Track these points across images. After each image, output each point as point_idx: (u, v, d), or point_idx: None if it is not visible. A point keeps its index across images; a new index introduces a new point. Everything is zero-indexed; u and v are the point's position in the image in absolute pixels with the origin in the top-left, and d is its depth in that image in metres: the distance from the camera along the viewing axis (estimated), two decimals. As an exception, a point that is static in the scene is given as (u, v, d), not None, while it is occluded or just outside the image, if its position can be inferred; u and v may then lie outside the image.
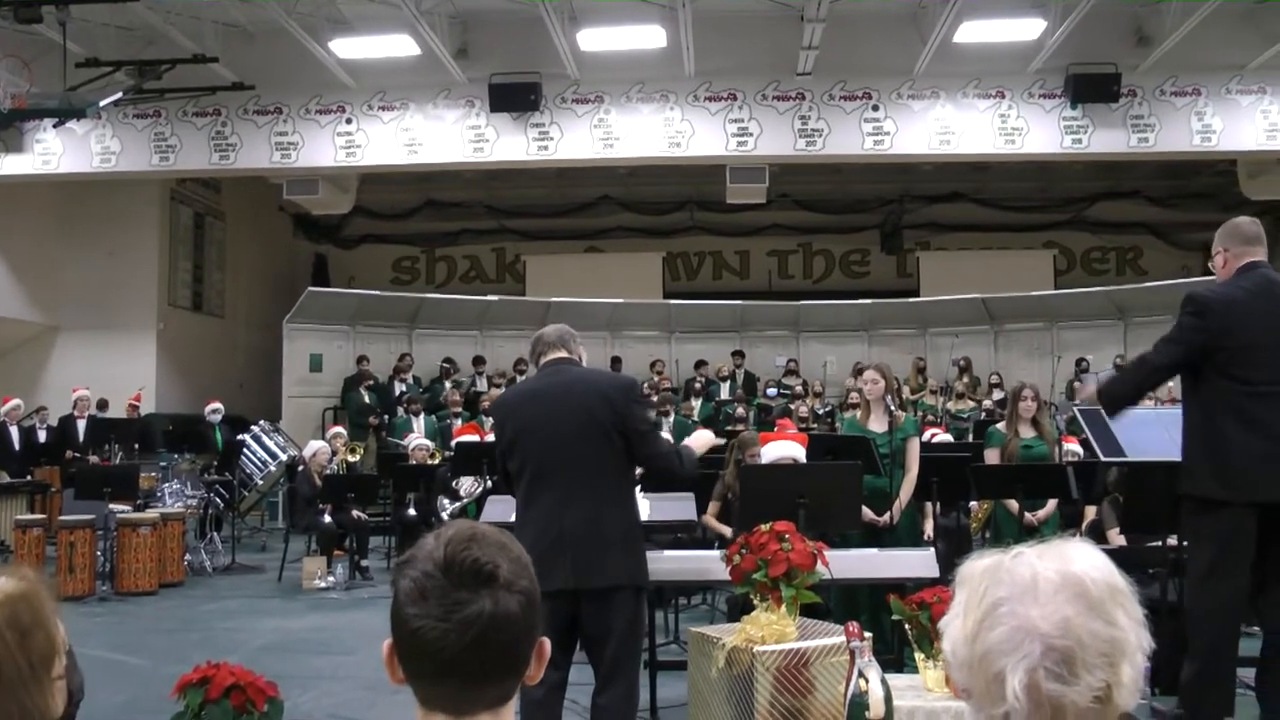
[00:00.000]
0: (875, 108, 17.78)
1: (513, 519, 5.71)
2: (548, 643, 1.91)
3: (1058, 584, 1.65)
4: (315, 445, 14.69)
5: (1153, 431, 7.12)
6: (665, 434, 11.76)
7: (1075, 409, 9.37)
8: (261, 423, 17.59)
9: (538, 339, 5.60)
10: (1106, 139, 17.84)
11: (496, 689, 1.84)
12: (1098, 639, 1.62)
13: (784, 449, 8.47)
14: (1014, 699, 1.61)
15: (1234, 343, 5.50)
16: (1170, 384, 11.46)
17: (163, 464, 15.02)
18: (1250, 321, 5.52)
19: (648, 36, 16.71)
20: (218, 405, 17.32)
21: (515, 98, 17.47)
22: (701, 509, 8.77)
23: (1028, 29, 16.53)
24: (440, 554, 1.81)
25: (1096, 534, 8.64)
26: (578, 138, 17.89)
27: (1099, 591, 1.65)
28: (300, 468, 14.62)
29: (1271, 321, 5.54)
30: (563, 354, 5.51)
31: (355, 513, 13.68)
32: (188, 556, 13.74)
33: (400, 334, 22.24)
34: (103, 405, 17.42)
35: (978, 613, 1.68)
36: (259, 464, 16.74)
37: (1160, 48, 16.67)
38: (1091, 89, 17.42)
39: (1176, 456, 5.81)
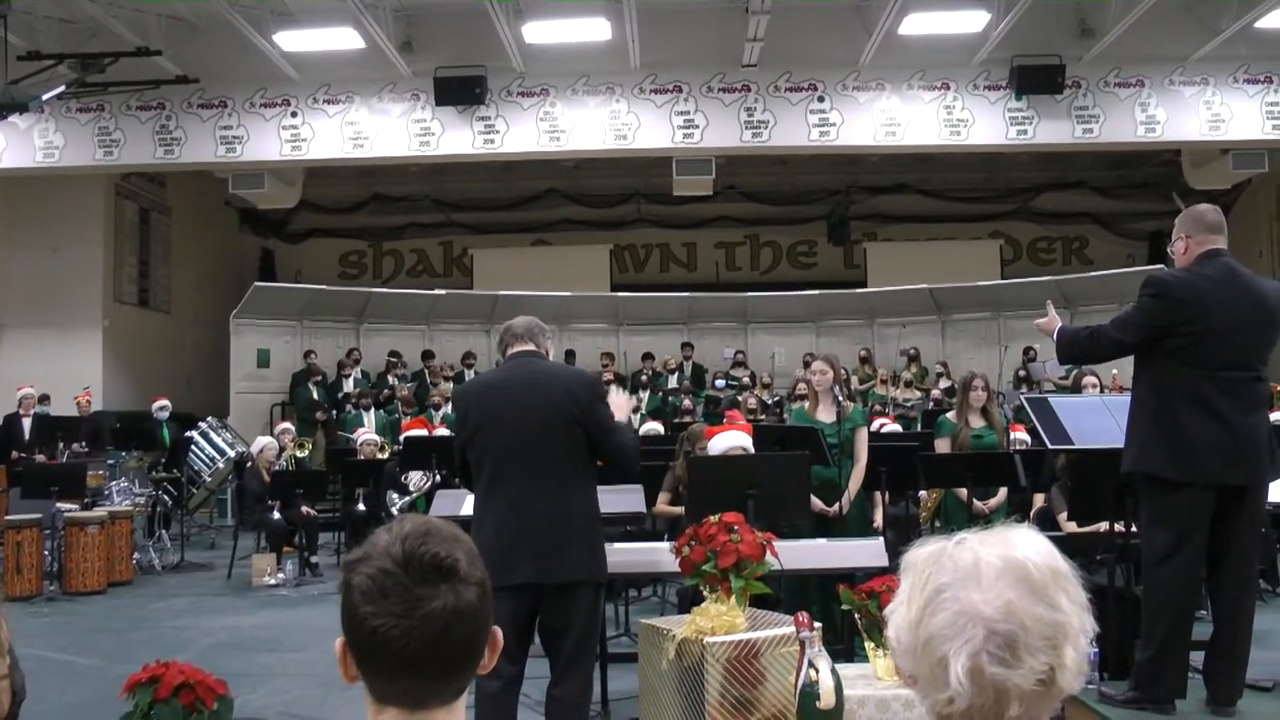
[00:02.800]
0: (821, 99, 17.82)
1: (463, 512, 5.73)
2: (499, 632, 1.91)
3: (1000, 569, 1.66)
4: (263, 441, 14.60)
5: (1100, 419, 7.18)
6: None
7: (1022, 398, 9.44)
8: (209, 419, 17.48)
9: (506, 329, 5.60)
10: (1051, 130, 17.96)
11: (456, 682, 1.84)
12: (1040, 623, 1.63)
13: (731, 439, 8.49)
14: (957, 684, 1.62)
15: (1192, 328, 5.55)
16: (1115, 371, 11.56)
17: (110, 462, 14.86)
18: (1209, 307, 5.57)
19: (593, 29, 16.69)
20: (165, 402, 17.20)
21: (461, 91, 17.40)
22: (650, 500, 8.78)
23: (972, 21, 16.62)
24: (398, 550, 1.79)
25: (1045, 521, 8.70)
26: (524, 131, 17.84)
27: (1041, 576, 1.66)
28: (248, 464, 14.53)
29: (1230, 308, 5.58)
30: (529, 347, 5.51)
31: (304, 509, 13.62)
32: (136, 555, 13.62)
33: (348, 329, 22.14)
34: (44, 399, 17.19)
35: (921, 599, 1.69)
36: (207, 461, 16.64)
37: (1104, 40, 16.81)
38: (1036, 80, 17.53)
39: (1123, 443, 5.88)
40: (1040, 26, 16.76)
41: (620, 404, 5.83)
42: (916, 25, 16.50)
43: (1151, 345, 5.69)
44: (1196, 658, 5.78)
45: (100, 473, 14.41)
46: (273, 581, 12.83)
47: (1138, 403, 5.80)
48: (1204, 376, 5.54)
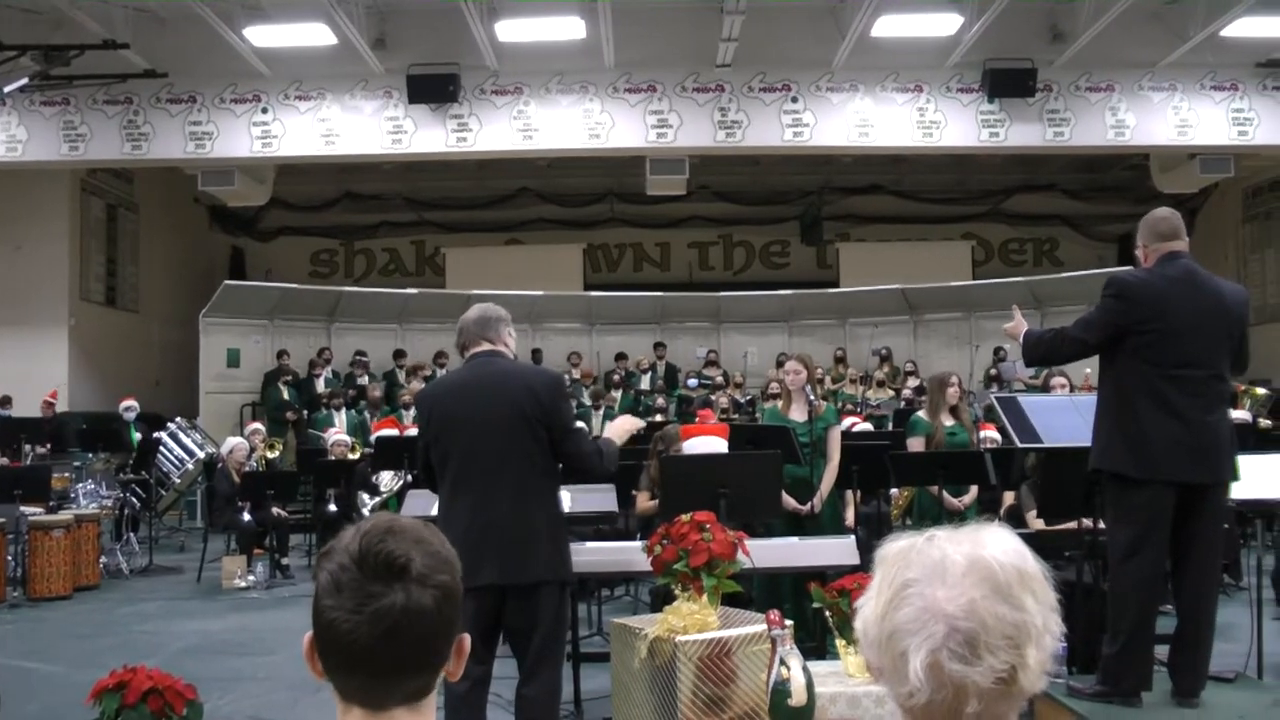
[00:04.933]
0: (794, 100, 17.86)
1: (434, 512, 5.68)
2: (468, 639, 1.91)
3: (965, 567, 1.66)
4: (233, 442, 14.52)
5: (1068, 418, 7.22)
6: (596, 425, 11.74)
7: (993, 397, 9.48)
8: (178, 420, 17.35)
9: (461, 329, 5.56)
10: (1023, 133, 18.07)
11: (411, 683, 1.83)
12: (1002, 622, 1.63)
13: (706, 444, 8.50)
14: (916, 678, 1.63)
15: (1151, 327, 5.63)
16: (1088, 370, 11.63)
17: (76, 464, 14.76)
18: (1168, 307, 5.65)
19: (567, 28, 16.68)
20: (132, 403, 17.05)
21: (433, 89, 17.36)
22: (622, 501, 8.77)
23: (945, 24, 16.69)
24: (355, 546, 1.81)
25: (1015, 519, 8.74)
26: (497, 129, 17.81)
27: (1006, 576, 1.66)
28: (218, 465, 14.45)
29: (1189, 307, 5.67)
30: (489, 346, 5.46)
31: (275, 510, 13.54)
32: (103, 559, 13.49)
33: (319, 328, 22.07)
34: (5, 402, 17.03)
35: (888, 593, 1.70)
36: (176, 462, 16.52)
37: (1075, 44, 16.95)
38: (1008, 84, 17.64)
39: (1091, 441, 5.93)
40: (1012, 30, 16.86)
41: (624, 428, 5.86)
42: (890, 27, 16.56)
43: (1114, 345, 5.77)
44: (1161, 651, 5.89)
45: (66, 475, 14.30)
46: (243, 584, 12.76)
47: (1102, 401, 5.90)
48: (1164, 375, 5.63)
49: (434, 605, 1.79)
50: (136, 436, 16.58)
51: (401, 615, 1.76)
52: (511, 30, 16.60)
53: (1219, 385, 5.78)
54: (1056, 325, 6.52)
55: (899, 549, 1.74)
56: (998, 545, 1.70)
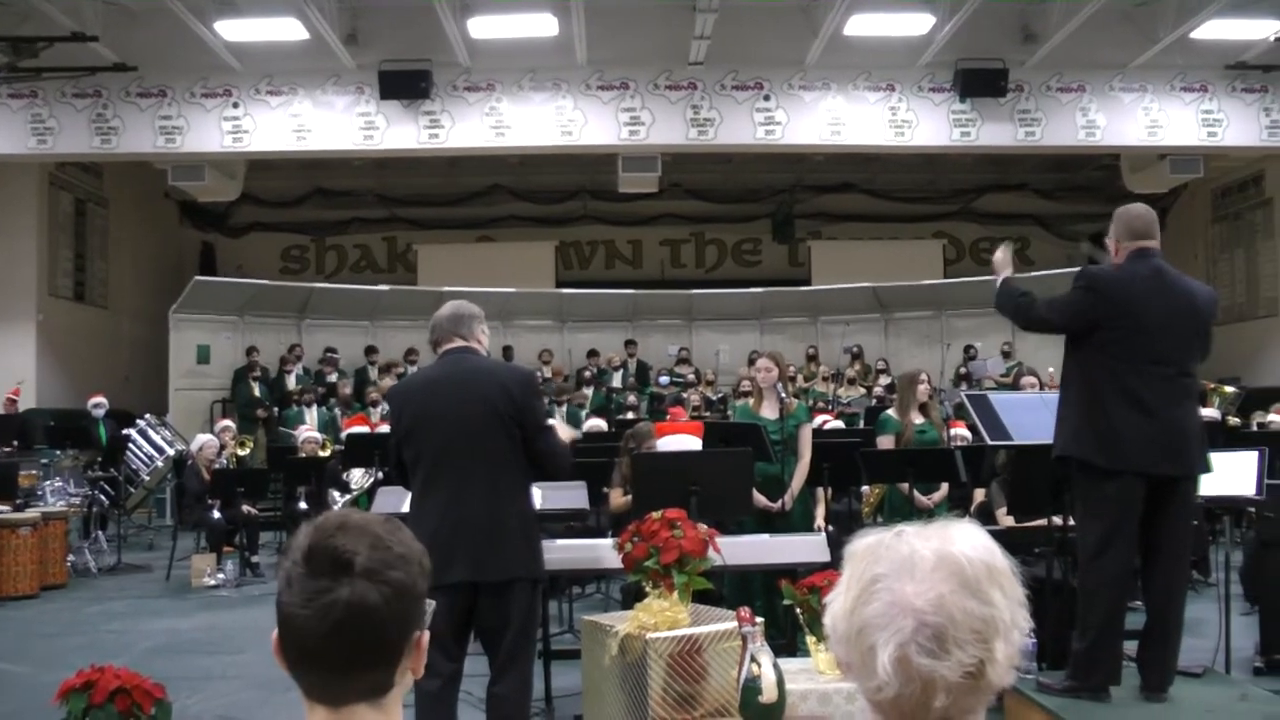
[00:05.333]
0: (767, 98, 17.89)
1: (404, 509, 5.67)
2: (426, 636, 1.89)
3: (934, 562, 1.67)
4: (203, 439, 14.46)
5: (1038, 416, 7.22)
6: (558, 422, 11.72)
7: (963, 395, 9.52)
8: (148, 417, 17.27)
9: (434, 324, 5.54)
10: (994, 132, 18.17)
11: (365, 680, 1.82)
12: (971, 617, 1.63)
13: (680, 442, 8.51)
14: (884, 673, 1.63)
15: (1121, 323, 5.68)
16: (1051, 370, 11.69)
17: (44, 461, 14.62)
18: (1137, 303, 5.71)
19: (539, 25, 16.67)
20: (101, 399, 16.92)
21: (406, 85, 17.32)
22: (593, 498, 8.78)
23: (917, 24, 16.76)
24: (305, 542, 1.82)
25: (985, 516, 8.77)
26: (469, 126, 17.78)
27: (975, 571, 1.67)
28: (188, 462, 14.39)
29: (1158, 304, 5.72)
30: (461, 343, 5.45)
31: (245, 508, 13.49)
32: (71, 557, 13.40)
33: (290, 325, 21.99)
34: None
35: (857, 588, 1.70)
36: (145, 459, 16.44)
37: (1046, 45, 17.08)
38: (979, 84, 17.73)
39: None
40: (984, 31, 16.95)
41: (565, 435, 5.89)
42: (862, 26, 16.60)
43: (1081, 339, 5.83)
44: (1130, 646, 5.93)
45: (33, 472, 14.17)
46: (213, 582, 12.69)
47: (1068, 396, 5.94)
48: (1131, 371, 5.68)
49: (381, 601, 1.78)
50: (105, 433, 16.48)
51: (346, 610, 1.76)
52: (484, 27, 16.59)
53: (1187, 382, 5.84)
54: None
55: (868, 545, 1.74)
56: (966, 541, 1.70)
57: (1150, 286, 5.75)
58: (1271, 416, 13.23)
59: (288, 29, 16.40)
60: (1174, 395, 5.71)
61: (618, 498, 9.08)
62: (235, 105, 17.70)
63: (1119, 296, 5.72)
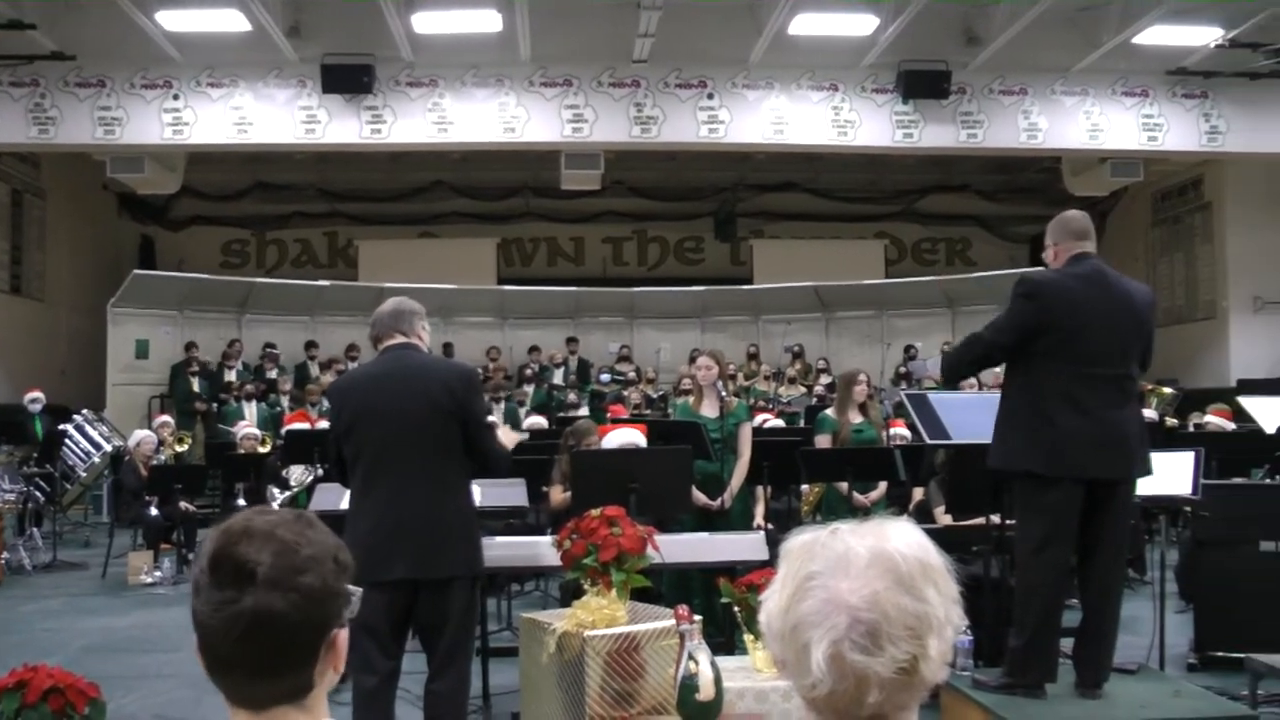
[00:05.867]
0: (710, 96, 17.93)
1: (343, 507, 5.66)
2: (344, 635, 1.87)
3: (868, 560, 1.68)
4: (141, 435, 14.34)
5: (977, 415, 7.28)
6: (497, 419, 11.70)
7: (902, 394, 9.58)
8: (85, 412, 17.04)
9: (375, 320, 5.54)
10: (937, 134, 18.29)
11: (281, 684, 1.81)
12: (905, 613, 1.65)
13: (625, 436, 8.52)
14: (818, 670, 1.64)
15: (1063, 326, 5.71)
16: (996, 370, 11.78)
17: (-22, 456, 14.50)
18: (1079, 306, 5.74)
19: (483, 20, 16.62)
20: (38, 394, 16.74)
21: (348, 79, 17.22)
22: (532, 495, 8.78)
23: (861, 24, 16.82)
24: (210, 549, 1.80)
25: (924, 514, 8.83)
26: (412, 121, 17.71)
27: (909, 568, 1.68)
28: (126, 458, 14.26)
29: (1099, 307, 5.76)
30: (401, 339, 5.43)
31: (183, 504, 13.38)
32: (5, 554, 13.17)
33: (230, 319, 21.83)
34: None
35: (792, 585, 1.71)
36: (82, 455, 16.22)
37: (989, 48, 17.19)
38: (922, 85, 17.83)
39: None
40: (927, 33, 17.04)
41: (510, 438, 5.88)
42: (806, 26, 16.65)
43: (1027, 344, 5.83)
44: (1066, 643, 6.00)
45: (-34, 468, 14.02)
46: (149, 580, 12.55)
47: (1009, 403, 5.96)
48: (1074, 373, 5.71)
49: (288, 609, 1.76)
50: (41, 429, 16.30)
51: (252, 620, 1.75)
52: (427, 22, 16.52)
53: (1129, 384, 5.90)
54: (968, 325, 6.59)
55: (803, 542, 1.75)
56: (901, 538, 1.72)
57: (1091, 288, 5.78)
58: (1208, 418, 13.38)
59: (229, 20, 16.23)
60: (1116, 397, 5.77)
61: (557, 495, 9.08)
62: (176, 97, 17.52)
63: (1060, 299, 5.75)
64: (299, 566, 1.78)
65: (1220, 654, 7.71)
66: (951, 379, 6.31)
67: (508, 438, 5.96)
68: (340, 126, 17.67)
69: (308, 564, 1.79)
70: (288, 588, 1.76)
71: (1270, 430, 9.09)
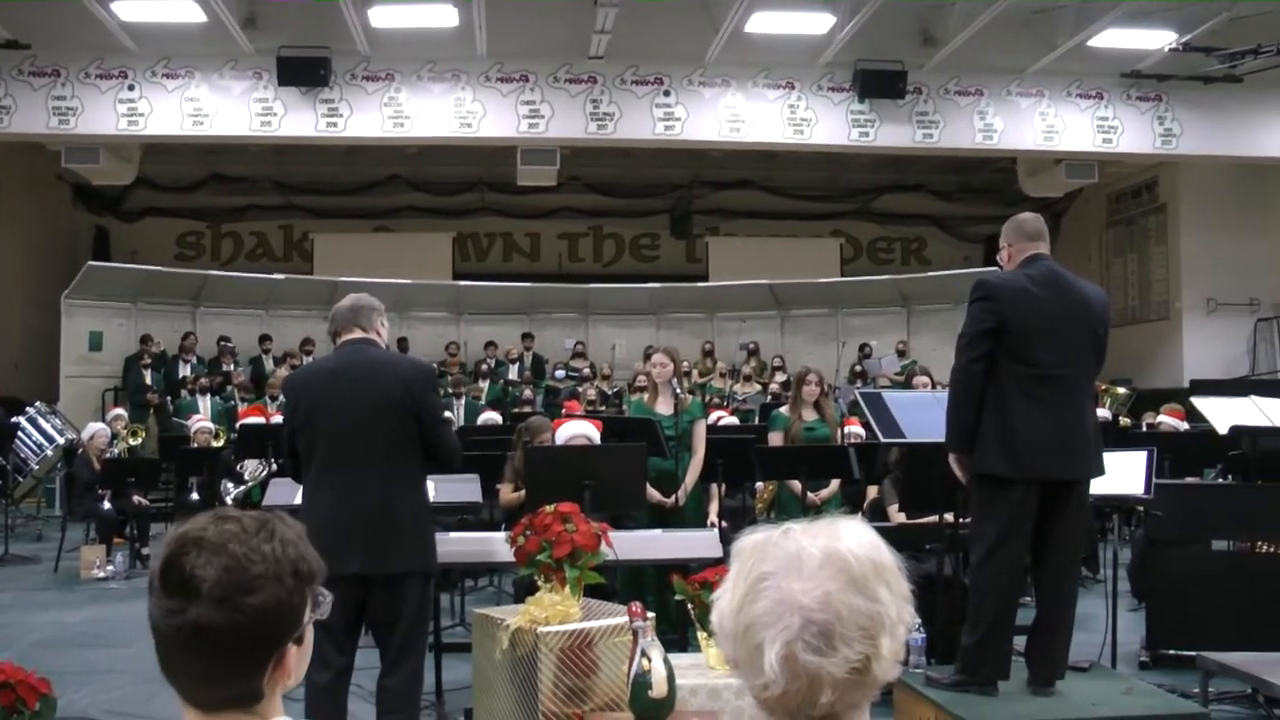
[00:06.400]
0: (667, 93, 17.95)
1: (297, 502, 5.64)
2: (293, 651, 1.84)
3: (821, 560, 1.69)
4: (94, 428, 14.23)
5: (931, 414, 7.32)
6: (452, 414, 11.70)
7: (856, 392, 9.64)
8: (37, 404, 16.93)
9: (333, 315, 5.53)
10: (893, 133, 18.38)
11: (225, 691, 1.80)
12: (857, 613, 1.66)
13: (578, 428, 8.52)
14: (771, 670, 1.66)
15: (1019, 327, 5.73)
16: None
17: (-73, 449, 14.34)
18: (1035, 307, 5.77)
19: (440, 15, 16.58)
20: (-11, 386, 16.64)
21: (304, 72, 17.15)
22: (486, 491, 8.76)
23: (817, 23, 16.86)
24: (163, 553, 1.79)
25: (878, 512, 8.88)
26: (367, 115, 17.66)
27: (861, 568, 1.69)
28: (79, 451, 14.16)
29: (1055, 308, 5.79)
30: (359, 334, 5.43)
31: (136, 498, 13.31)
32: (-43, 547, 13.16)
33: (184, 312, 21.67)
34: None
35: (744, 585, 1.72)
36: (34, 448, 16.11)
37: (945, 49, 17.30)
38: (879, 85, 17.90)
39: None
40: (884, 33, 17.10)
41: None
42: (763, 24, 16.68)
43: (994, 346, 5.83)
44: (1020, 641, 6.03)
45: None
46: (102, 574, 12.44)
47: None
48: (1033, 375, 5.73)
49: (229, 627, 1.74)
50: (-8, 421, 16.17)
51: (192, 633, 1.73)
52: (384, 16, 16.48)
53: (1086, 384, 5.94)
54: (923, 324, 6.60)
55: (755, 542, 1.77)
56: (853, 538, 1.73)
57: (1045, 289, 5.81)
58: (1161, 418, 13.50)
59: (185, 10, 16.11)
60: (1073, 398, 5.80)
61: (507, 493, 9.04)
62: (131, 87, 17.40)
63: (1016, 301, 5.77)
64: (246, 586, 1.75)
65: (1172, 652, 7.76)
66: (962, 437, 6.02)
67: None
68: (296, 119, 17.59)
69: (256, 583, 1.76)
70: (232, 607, 1.74)
71: (1222, 431, 9.17)
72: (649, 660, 4.62)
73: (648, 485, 8.09)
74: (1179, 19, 16.36)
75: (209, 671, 1.77)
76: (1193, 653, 7.10)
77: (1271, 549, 8.04)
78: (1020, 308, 5.76)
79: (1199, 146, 18.97)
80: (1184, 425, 12.96)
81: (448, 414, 5.80)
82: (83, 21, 16.20)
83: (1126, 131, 18.69)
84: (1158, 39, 17.01)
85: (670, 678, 4.63)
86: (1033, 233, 6.04)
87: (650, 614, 4.94)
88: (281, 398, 16.28)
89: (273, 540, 1.82)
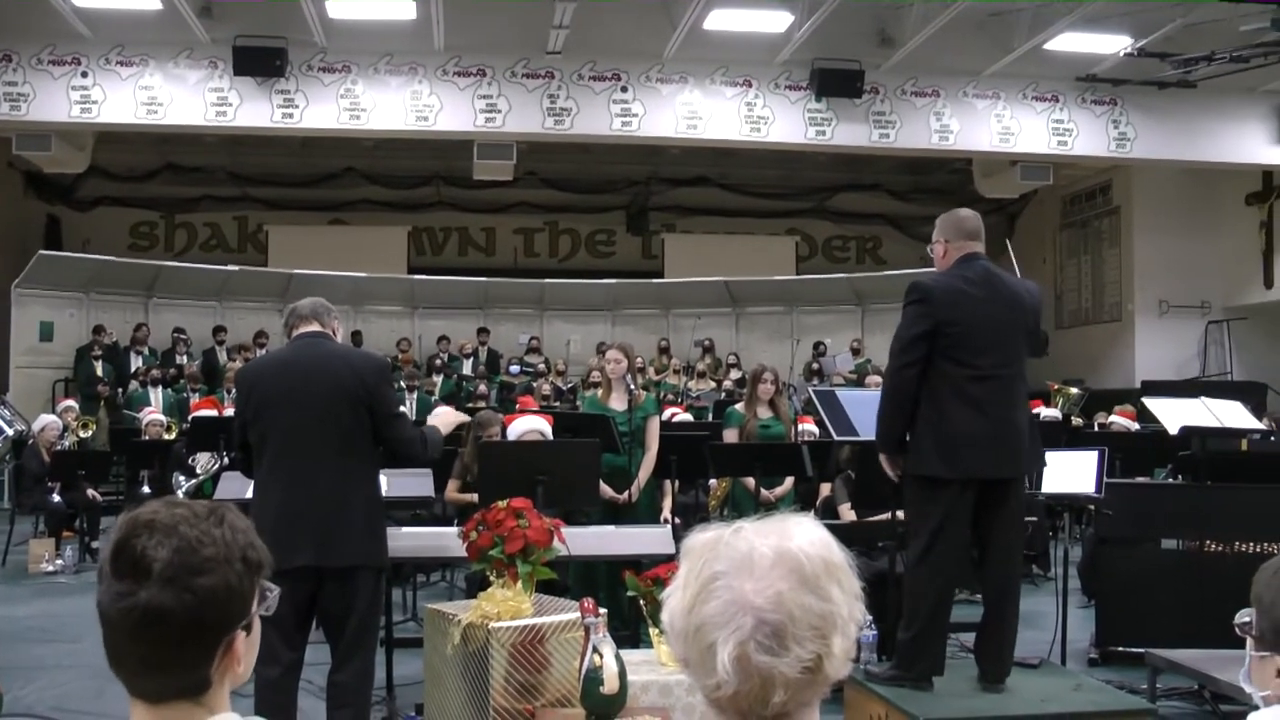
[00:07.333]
0: (624, 89, 17.94)
1: (248, 496, 5.61)
2: (241, 637, 1.85)
3: (773, 560, 1.69)
4: (45, 420, 14.11)
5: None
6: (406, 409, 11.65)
7: (810, 390, 9.67)
8: (-15, 394, 16.79)
9: (291, 311, 5.52)
10: (849, 133, 18.42)
11: (175, 680, 1.80)
12: (809, 613, 1.66)
13: (529, 424, 8.51)
14: (723, 671, 1.65)
15: (955, 328, 5.76)
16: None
17: (-127, 440, 14.17)
18: (970, 308, 5.80)
19: (397, 8, 16.51)
20: (-63, 376, 16.46)
21: (260, 62, 17.00)
22: (439, 486, 8.73)
23: (775, 21, 16.88)
24: (115, 537, 1.79)
25: (830, 510, 8.91)
26: (324, 107, 17.53)
27: (813, 567, 1.69)
28: (28, 443, 14.02)
29: (990, 309, 5.83)
30: (315, 327, 5.41)
31: (87, 491, 13.20)
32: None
33: (137, 303, 21.53)
34: None
35: (695, 585, 1.71)
36: (-18, 439, 15.98)
37: (902, 49, 17.34)
38: (836, 84, 17.94)
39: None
40: (841, 33, 17.12)
41: (449, 420, 5.89)
42: (721, 21, 16.67)
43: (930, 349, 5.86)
44: (968, 638, 6.06)
45: None
46: (51, 568, 12.34)
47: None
48: (966, 374, 5.77)
49: (180, 609, 1.74)
50: (-61, 412, 16.00)
51: (143, 617, 1.73)
52: (341, 8, 16.37)
53: (1019, 383, 5.96)
54: (877, 322, 6.62)
55: (706, 541, 1.76)
56: (804, 537, 1.73)
57: (980, 290, 5.84)
58: (1113, 418, 13.65)
59: (140, -2, 15.99)
60: (1008, 397, 5.84)
61: (452, 491, 9.00)
62: (84, 74, 17.20)
63: (951, 301, 5.80)
64: (197, 567, 1.76)
65: (1121, 649, 7.86)
66: (891, 440, 6.07)
67: (451, 418, 6.02)
68: (251, 110, 17.45)
69: (207, 565, 1.77)
70: (182, 587, 1.74)
71: (1173, 431, 9.25)
72: (601, 656, 4.63)
73: (601, 481, 8.09)
74: (1134, 24, 16.48)
75: (156, 657, 1.76)
76: (1141, 650, 7.15)
77: (1220, 548, 8.13)
78: (956, 309, 5.78)
79: (1153, 150, 19.12)
80: (1135, 426, 13.09)
81: (402, 408, 5.76)
82: (35, 6, 15.97)
83: (1081, 134, 18.81)
84: (1113, 44, 17.12)
85: (622, 674, 4.65)
86: (970, 231, 6.03)
87: (602, 610, 4.95)
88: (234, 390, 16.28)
89: (222, 525, 1.83)
